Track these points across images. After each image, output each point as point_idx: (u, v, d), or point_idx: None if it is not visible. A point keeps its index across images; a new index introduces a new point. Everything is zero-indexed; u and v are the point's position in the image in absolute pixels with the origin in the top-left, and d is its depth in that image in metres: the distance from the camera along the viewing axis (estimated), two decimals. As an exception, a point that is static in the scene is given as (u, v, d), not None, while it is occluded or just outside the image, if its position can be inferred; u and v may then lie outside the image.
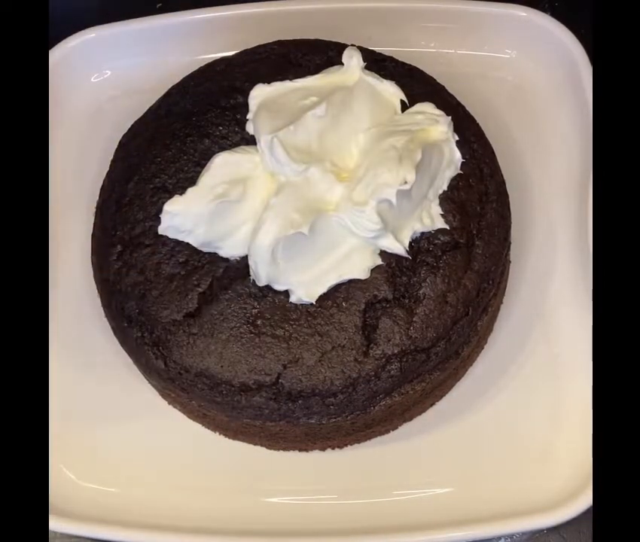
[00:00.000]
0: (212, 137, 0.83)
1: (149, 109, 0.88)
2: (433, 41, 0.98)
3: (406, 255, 0.76)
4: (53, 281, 0.87)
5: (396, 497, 0.81)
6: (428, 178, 0.76)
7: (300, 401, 0.76)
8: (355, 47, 0.80)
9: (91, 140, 0.96)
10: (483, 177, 0.81)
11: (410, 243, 0.77)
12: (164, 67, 0.96)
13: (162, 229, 0.78)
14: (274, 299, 0.76)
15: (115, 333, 0.83)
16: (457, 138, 0.78)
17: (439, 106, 0.79)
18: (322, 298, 0.76)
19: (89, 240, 0.85)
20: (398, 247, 0.75)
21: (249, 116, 0.79)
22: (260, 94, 0.79)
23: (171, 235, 0.78)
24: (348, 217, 0.73)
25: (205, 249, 0.78)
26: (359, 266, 0.75)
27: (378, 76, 0.80)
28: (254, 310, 0.76)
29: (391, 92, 0.80)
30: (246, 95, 0.80)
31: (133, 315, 0.79)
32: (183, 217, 0.76)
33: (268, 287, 0.76)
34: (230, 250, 0.77)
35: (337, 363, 0.75)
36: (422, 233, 0.77)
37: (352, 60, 0.79)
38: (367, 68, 0.80)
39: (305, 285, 0.75)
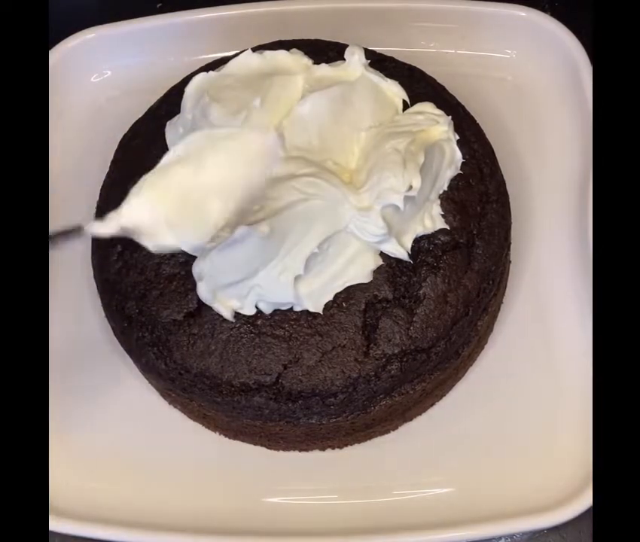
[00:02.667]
0: (212, 137, 0.83)
1: (149, 109, 0.88)
2: (433, 41, 0.98)
3: (408, 259, 0.76)
4: (53, 281, 0.87)
5: (396, 497, 0.81)
6: (430, 180, 0.76)
7: (300, 401, 0.76)
8: (357, 45, 0.80)
9: (91, 140, 0.96)
10: (483, 177, 0.81)
11: (411, 243, 0.77)
12: (164, 67, 0.96)
13: None
14: (274, 299, 0.76)
15: (115, 333, 0.83)
16: (457, 137, 0.78)
17: (439, 106, 0.79)
18: (322, 298, 0.76)
19: (90, 240, 0.85)
20: (401, 251, 0.75)
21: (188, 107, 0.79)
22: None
23: None
24: (353, 222, 0.73)
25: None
26: (362, 271, 0.75)
27: (381, 74, 0.80)
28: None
29: (394, 91, 0.79)
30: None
31: (133, 315, 0.79)
32: None
33: (268, 287, 0.76)
34: None
35: (337, 364, 0.75)
36: (423, 234, 0.77)
37: (354, 56, 0.79)
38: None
39: (312, 297, 0.74)
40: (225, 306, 0.75)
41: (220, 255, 0.71)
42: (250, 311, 0.75)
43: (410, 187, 0.72)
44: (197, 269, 0.74)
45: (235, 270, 0.72)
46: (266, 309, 0.75)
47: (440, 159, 0.77)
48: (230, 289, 0.74)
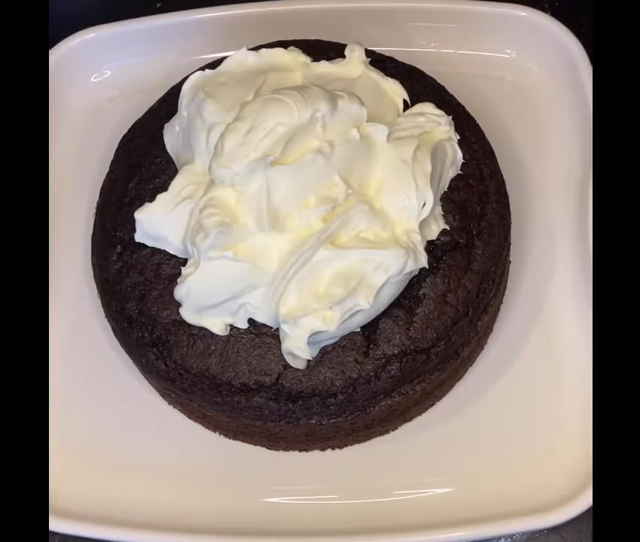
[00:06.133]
0: (212, 137, 0.83)
1: (149, 109, 0.88)
2: (433, 41, 0.98)
3: (426, 265, 0.74)
4: (53, 281, 0.87)
5: (396, 497, 0.81)
6: (436, 183, 0.76)
7: (300, 402, 0.76)
8: (357, 43, 0.80)
9: (91, 140, 0.96)
10: (483, 177, 0.81)
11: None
12: (164, 67, 0.96)
13: (138, 238, 0.77)
14: (274, 299, 0.76)
15: (115, 334, 0.83)
16: (458, 137, 0.78)
17: (439, 106, 0.79)
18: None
19: (89, 240, 0.85)
20: (420, 263, 0.73)
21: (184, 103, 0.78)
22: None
23: (149, 244, 0.77)
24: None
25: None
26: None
27: (382, 73, 0.79)
28: (254, 310, 0.76)
29: (395, 90, 0.79)
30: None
31: (133, 316, 0.79)
32: (153, 225, 0.75)
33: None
34: None
35: (337, 364, 0.75)
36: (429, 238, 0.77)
37: (354, 53, 0.79)
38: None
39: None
40: (213, 323, 0.74)
41: (200, 278, 0.71)
42: (243, 325, 0.75)
43: (424, 204, 0.72)
44: (177, 295, 0.74)
45: (219, 292, 0.72)
46: (261, 322, 0.75)
47: (442, 160, 0.77)
48: (218, 308, 0.73)
